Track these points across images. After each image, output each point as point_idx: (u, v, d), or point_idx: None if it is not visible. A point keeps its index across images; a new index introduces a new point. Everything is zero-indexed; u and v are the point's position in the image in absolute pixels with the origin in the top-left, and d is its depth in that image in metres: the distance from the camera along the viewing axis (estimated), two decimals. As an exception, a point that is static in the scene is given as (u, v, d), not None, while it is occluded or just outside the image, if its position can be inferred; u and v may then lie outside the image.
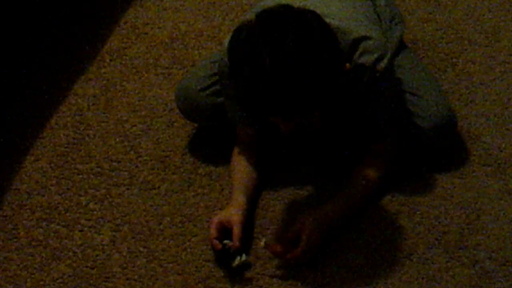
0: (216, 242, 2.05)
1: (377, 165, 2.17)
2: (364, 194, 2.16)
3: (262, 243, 2.05)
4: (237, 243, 2.05)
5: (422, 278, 2.05)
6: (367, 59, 2.05)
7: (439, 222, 2.16)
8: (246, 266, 2.07)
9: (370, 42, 2.05)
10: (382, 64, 2.06)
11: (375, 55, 2.05)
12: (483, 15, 2.70)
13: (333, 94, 1.94)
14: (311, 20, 1.90)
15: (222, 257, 2.06)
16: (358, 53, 2.05)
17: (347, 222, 2.13)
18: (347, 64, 1.98)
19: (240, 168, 2.21)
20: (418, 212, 2.18)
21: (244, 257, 2.06)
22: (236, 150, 2.24)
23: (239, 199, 2.13)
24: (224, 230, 2.08)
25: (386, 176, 2.18)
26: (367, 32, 2.07)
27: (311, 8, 2.01)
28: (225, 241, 2.06)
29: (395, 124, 2.17)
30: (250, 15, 2.06)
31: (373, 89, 2.08)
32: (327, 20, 1.96)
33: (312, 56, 1.85)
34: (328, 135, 2.30)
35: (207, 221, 2.17)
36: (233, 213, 2.09)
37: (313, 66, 1.85)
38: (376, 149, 2.18)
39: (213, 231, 2.06)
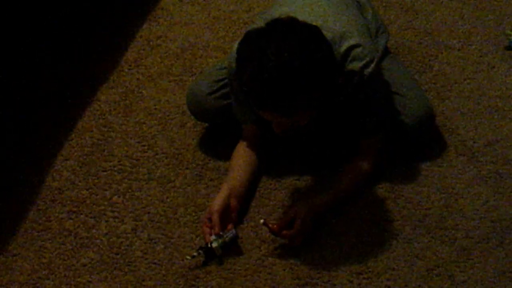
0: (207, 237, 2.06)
1: (366, 159, 2.15)
2: (354, 185, 2.15)
3: (261, 221, 2.04)
4: (216, 229, 2.05)
5: (408, 256, 2.04)
6: (356, 65, 2.04)
7: (421, 206, 2.15)
8: (229, 245, 2.05)
9: (360, 49, 2.04)
10: (369, 69, 2.04)
11: (364, 61, 2.04)
12: (456, 22, 2.68)
13: (327, 96, 1.93)
14: (314, 30, 1.91)
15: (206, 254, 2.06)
16: (349, 59, 2.04)
17: (336, 208, 2.12)
18: (341, 78, 1.99)
19: (236, 160, 2.20)
20: (402, 198, 2.17)
21: (219, 241, 2.03)
22: (239, 144, 2.23)
23: (223, 188, 2.12)
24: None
25: (374, 168, 2.17)
26: (357, 41, 2.05)
27: (310, 21, 2.02)
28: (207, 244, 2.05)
29: (382, 121, 2.15)
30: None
31: (362, 91, 2.06)
32: (324, 32, 1.98)
33: (312, 59, 1.85)
34: (321, 132, 2.29)
35: (217, 210, 2.16)
36: (213, 204, 2.08)
37: (312, 68, 1.85)
38: (365, 144, 2.16)
39: (204, 229, 2.07)
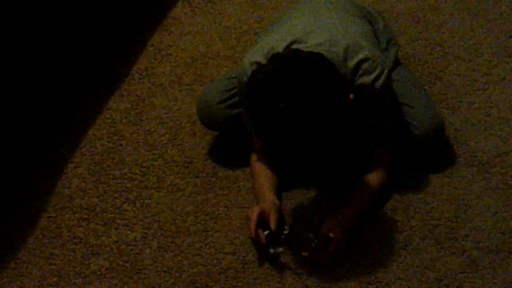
0: (259, 232, 2.04)
1: (381, 170, 2.15)
2: (374, 197, 2.15)
3: (310, 235, 2.04)
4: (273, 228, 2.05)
5: (417, 266, 2.04)
6: (366, 79, 2.05)
7: (431, 217, 2.15)
8: (279, 255, 2.07)
9: (369, 62, 2.05)
10: (380, 82, 2.05)
11: (373, 75, 2.05)
12: (466, 34, 2.68)
13: (337, 119, 1.93)
14: (317, 64, 1.90)
15: (262, 245, 2.05)
16: (359, 74, 2.05)
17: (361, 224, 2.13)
18: (351, 96, 1.98)
19: (263, 172, 2.20)
20: (412, 208, 2.17)
21: (280, 248, 2.05)
22: (253, 158, 2.24)
23: (271, 197, 2.12)
24: (262, 222, 2.06)
25: (389, 178, 2.17)
26: (366, 54, 2.06)
27: (319, 35, 2.04)
28: (267, 232, 2.05)
29: (392, 132, 2.16)
30: (260, 48, 2.09)
31: (372, 104, 2.07)
32: (333, 48, 1.99)
33: (318, 99, 1.86)
34: (331, 144, 2.29)
35: (227, 219, 2.17)
36: (270, 208, 2.08)
37: (319, 101, 1.86)
38: (375, 157, 2.16)
39: (254, 222, 2.04)
